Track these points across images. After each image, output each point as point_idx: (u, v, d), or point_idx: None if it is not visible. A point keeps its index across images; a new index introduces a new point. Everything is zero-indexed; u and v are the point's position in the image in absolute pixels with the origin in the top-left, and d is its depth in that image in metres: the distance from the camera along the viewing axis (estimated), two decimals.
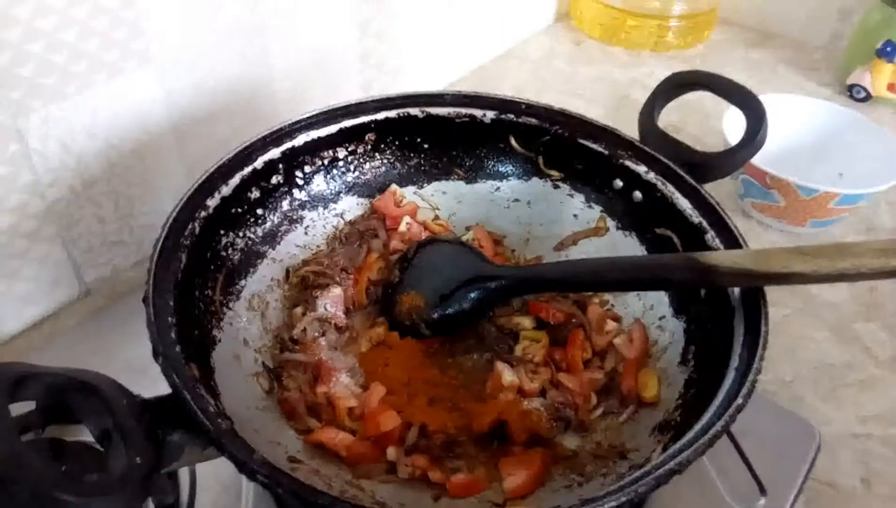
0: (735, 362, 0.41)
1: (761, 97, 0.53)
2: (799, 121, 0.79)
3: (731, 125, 0.73)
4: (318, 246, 0.58)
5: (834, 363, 0.62)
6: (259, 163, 0.52)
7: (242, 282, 0.52)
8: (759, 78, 0.99)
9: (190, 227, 0.46)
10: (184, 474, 0.48)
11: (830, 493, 0.52)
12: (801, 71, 1.02)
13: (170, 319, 0.40)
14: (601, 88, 0.97)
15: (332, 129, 0.56)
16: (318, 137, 0.55)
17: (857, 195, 0.69)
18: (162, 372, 0.37)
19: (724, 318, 0.44)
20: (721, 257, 0.44)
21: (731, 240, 0.47)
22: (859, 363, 0.62)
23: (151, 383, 0.37)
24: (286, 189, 0.56)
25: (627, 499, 0.34)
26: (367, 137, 0.58)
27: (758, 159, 0.60)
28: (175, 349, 0.38)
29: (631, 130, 0.56)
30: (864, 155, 0.75)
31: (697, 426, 0.37)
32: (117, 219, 0.62)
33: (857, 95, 0.94)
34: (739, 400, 0.37)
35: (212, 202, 0.48)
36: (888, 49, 0.88)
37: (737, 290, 0.44)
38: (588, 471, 0.45)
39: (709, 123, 0.89)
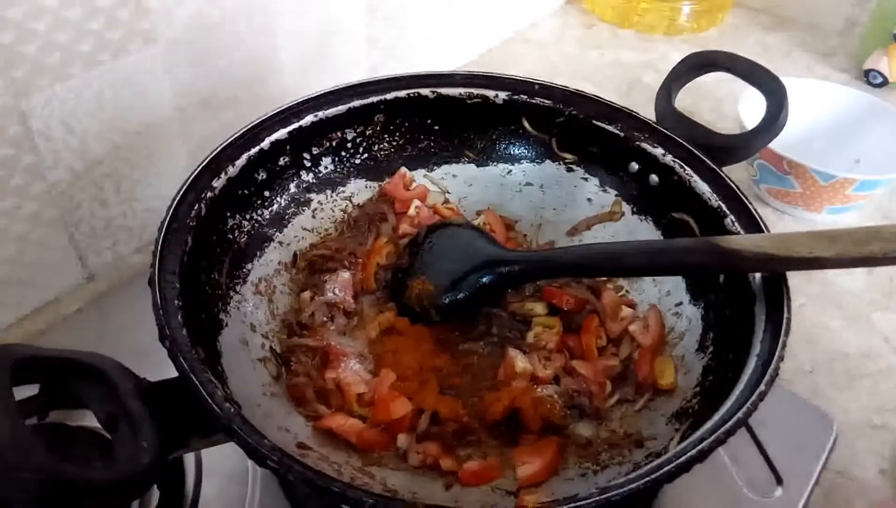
0: (756, 348, 0.40)
1: None
2: (815, 106, 0.77)
3: (748, 109, 0.71)
4: (326, 230, 0.57)
5: (851, 353, 0.61)
6: (266, 143, 0.51)
7: (249, 265, 0.51)
8: (773, 63, 0.96)
9: (196, 208, 0.45)
10: (189, 461, 0.47)
11: (847, 484, 0.51)
12: (816, 56, 1.00)
13: (176, 302, 0.39)
14: (612, 72, 0.96)
15: (341, 109, 0.55)
16: (326, 118, 0.54)
17: (875, 181, 0.67)
18: (169, 356, 0.36)
19: (744, 304, 0.43)
20: (742, 241, 0.43)
21: (752, 224, 0.46)
22: (877, 353, 0.61)
23: (156, 368, 0.36)
24: (293, 171, 0.55)
25: (646, 488, 0.33)
26: (375, 118, 0.57)
27: (775, 144, 0.58)
28: (181, 332, 0.37)
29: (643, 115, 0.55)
30: (882, 141, 0.74)
31: (719, 414, 0.36)
32: (120, 202, 0.61)
33: (873, 80, 0.92)
34: (762, 388, 0.36)
35: (218, 183, 0.47)
36: None
37: (757, 275, 0.43)
38: (603, 459, 0.44)
39: (722, 108, 0.87)
